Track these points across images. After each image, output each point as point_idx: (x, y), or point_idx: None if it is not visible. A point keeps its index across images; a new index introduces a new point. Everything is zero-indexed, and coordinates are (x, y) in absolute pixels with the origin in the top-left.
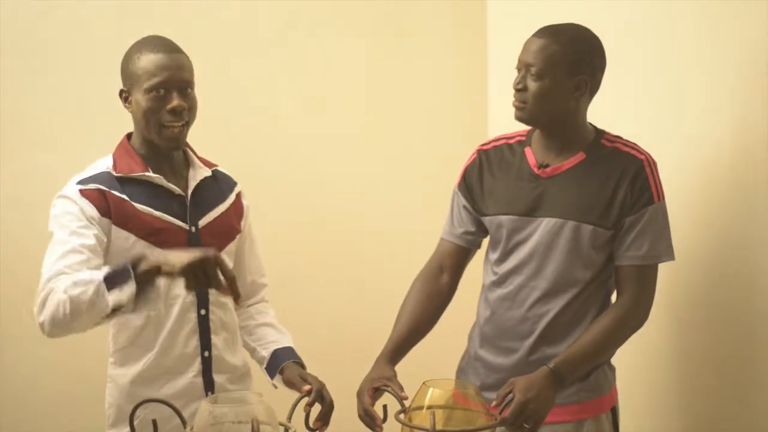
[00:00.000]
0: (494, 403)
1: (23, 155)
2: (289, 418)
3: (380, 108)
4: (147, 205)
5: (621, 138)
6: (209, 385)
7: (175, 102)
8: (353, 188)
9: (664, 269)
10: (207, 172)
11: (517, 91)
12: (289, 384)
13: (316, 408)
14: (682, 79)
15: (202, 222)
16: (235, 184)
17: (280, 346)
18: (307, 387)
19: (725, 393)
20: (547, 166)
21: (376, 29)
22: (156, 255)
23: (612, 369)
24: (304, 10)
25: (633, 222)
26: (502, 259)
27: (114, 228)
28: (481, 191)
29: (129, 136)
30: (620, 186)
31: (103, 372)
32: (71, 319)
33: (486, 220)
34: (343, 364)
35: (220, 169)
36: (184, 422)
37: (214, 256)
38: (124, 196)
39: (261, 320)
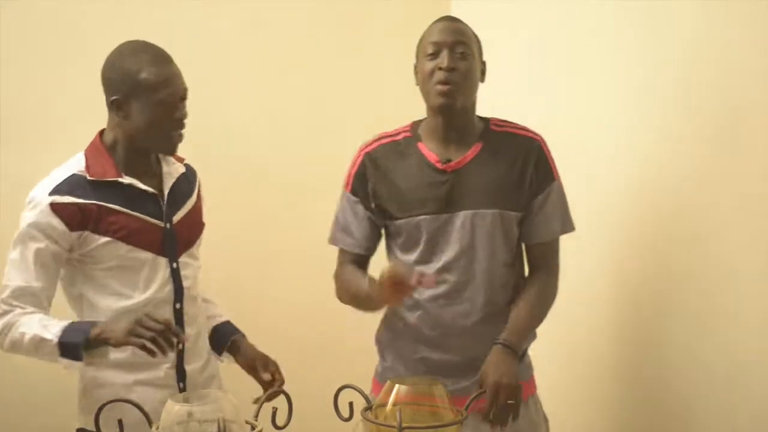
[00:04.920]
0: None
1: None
2: (256, 416)
3: (343, 108)
4: (123, 206)
5: (507, 121)
6: (181, 376)
7: (184, 111)
8: (314, 188)
9: (600, 268)
10: (181, 169)
11: (449, 71)
12: (250, 368)
13: (283, 407)
14: (609, 89)
15: (177, 217)
16: (196, 174)
17: (219, 322)
18: (267, 378)
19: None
20: (450, 160)
21: (340, 28)
22: (102, 328)
23: (528, 357)
24: (269, 8)
25: (541, 202)
26: (425, 260)
27: (91, 235)
28: (377, 195)
29: (101, 133)
30: (526, 169)
31: None
32: (25, 354)
33: (397, 224)
34: (304, 363)
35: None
36: (150, 421)
37: (145, 315)
38: (99, 202)
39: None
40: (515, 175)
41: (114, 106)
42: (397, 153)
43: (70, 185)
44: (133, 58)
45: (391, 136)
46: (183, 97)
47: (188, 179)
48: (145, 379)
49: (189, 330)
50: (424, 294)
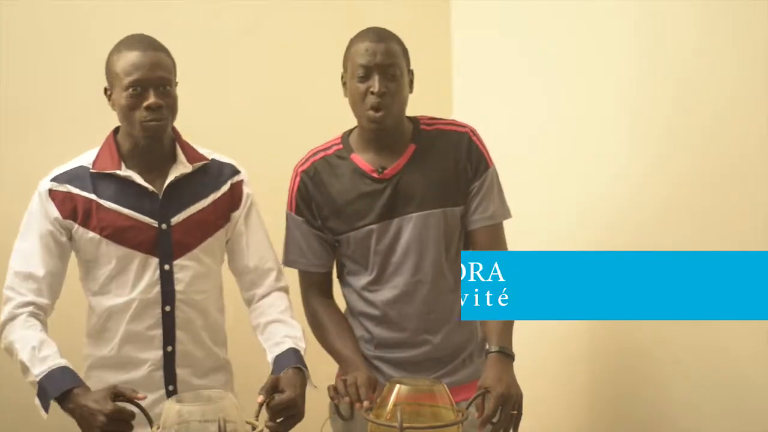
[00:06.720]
0: (476, 414)
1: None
2: (257, 416)
3: (343, 108)
4: (116, 203)
5: (435, 118)
6: (170, 378)
7: (151, 99)
8: None
9: None
10: (186, 169)
11: (380, 96)
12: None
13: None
14: (609, 88)
15: (176, 219)
16: (235, 172)
17: (281, 351)
18: (260, 398)
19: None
20: (384, 168)
21: (340, 29)
22: (81, 403)
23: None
24: (269, 8)
25: (478, 187)
26: (378, 269)
27: (79, 228)
28: (321, 212)
29: (117, 129)
30: (459, 162)
31: None
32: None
33: (345, 237)
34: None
35: (219, 158)
36: (150, 422)
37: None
38: (92, 196)
39: (270, 317)
40: (451, 170)
41: (107, 96)
42: (331, 168)
43: (70, 175)
44: (115, 48)
45: (322, 150)
46: (157, 85)
47: (206, 178)
48: (125, 380)
49: (182, 334)
50: (379, 298)
